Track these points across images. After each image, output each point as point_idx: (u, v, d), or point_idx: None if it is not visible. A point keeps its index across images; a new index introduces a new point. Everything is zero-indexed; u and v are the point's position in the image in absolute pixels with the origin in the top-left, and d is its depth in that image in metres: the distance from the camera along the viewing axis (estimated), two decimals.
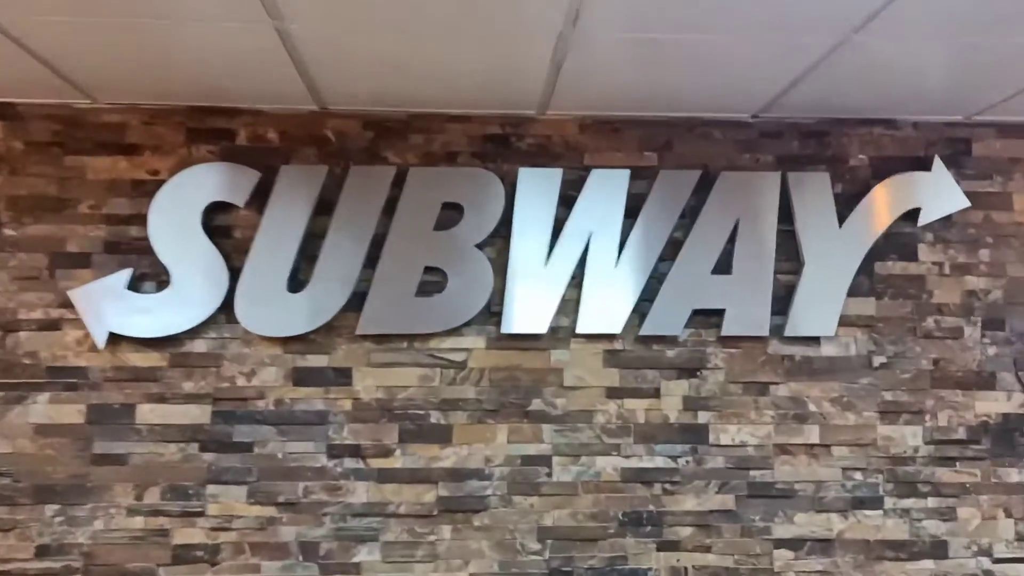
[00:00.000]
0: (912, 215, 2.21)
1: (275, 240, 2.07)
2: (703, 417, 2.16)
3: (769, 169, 2.19)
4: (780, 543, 2.14)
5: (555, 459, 2.12)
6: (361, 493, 2.08)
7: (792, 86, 1.98)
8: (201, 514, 2.05)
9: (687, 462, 2.15)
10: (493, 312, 2.12)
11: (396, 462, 2.09)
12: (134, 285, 2.07)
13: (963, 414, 2.20)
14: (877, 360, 2.20)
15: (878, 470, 2.18)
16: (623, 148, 2.19)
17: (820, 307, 2.17)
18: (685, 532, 2.13)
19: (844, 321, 2.17)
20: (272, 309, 2.06)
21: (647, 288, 2.13)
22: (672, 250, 2.14)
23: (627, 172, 2.14)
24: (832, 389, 2.19)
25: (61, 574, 2.02)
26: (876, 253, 2.20)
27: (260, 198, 2.08)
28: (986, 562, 2.17)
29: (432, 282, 2.10)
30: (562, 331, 2.14)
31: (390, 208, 2.09)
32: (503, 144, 2.17)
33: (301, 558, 2.06)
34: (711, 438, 2.15)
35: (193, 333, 2.07)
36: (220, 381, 2.08)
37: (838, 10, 1.57)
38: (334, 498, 2.08)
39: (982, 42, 1.72)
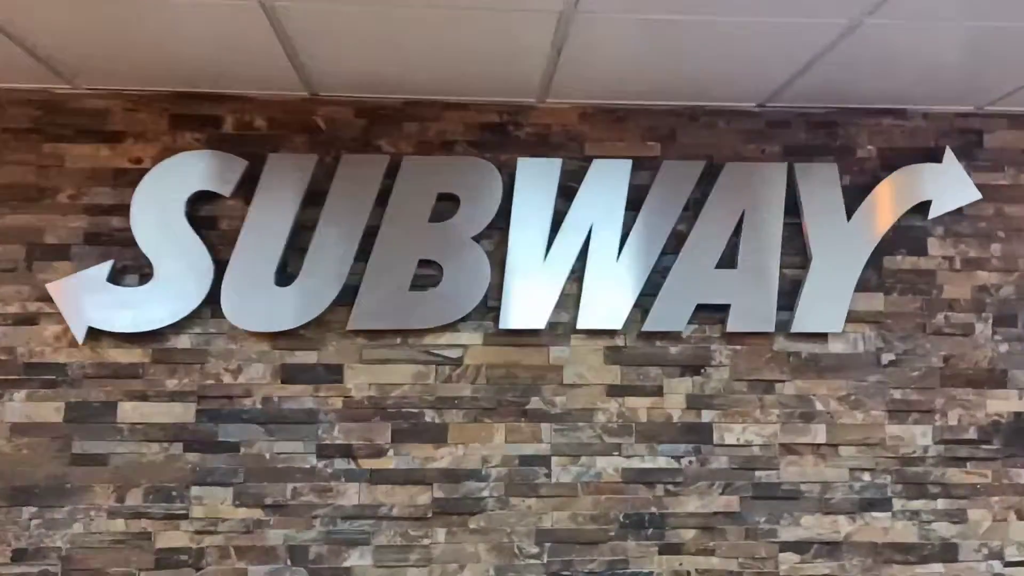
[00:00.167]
0: (922, 208, 2.17)
1: (263, 231, 2.02)
2: (707, 416, 2.12)
3: (776, 160, 2.15)
4: (786, 546, 2.10)
5: (554, 459, 2.08)
6: (352, 495, 2.03)
7: (800, 74, 1.94)
8: (185, 517, 1.99)
9: (690, 462, 2.10)
10: (490, 307, 2.08)
11: (389, 463, 2.05)
12: (115, 278, 2.01)
13: (974, 413, 2.16)
14: (886, 357, 2.16)
15: (886, 471, 2.14)
16: (625, 137, 2.15)
17: (827, 303, 2.12)
18: (688, 535, 2.09)
19: (852, 317, 2.13)
20: (259, 303, 2.01)
21: (649, 283, 2.09)
22: (675, 243, 2.10)
23: (629, 162, 2.10)
24: (840, 387, 2.14)
25: None
26: (885, 247, 2.16)
27: (247, 188, 2.02)
28: (997, 565, 2.13)
29: (427, 276, 2.06)
30: (562, 327, 2.10)
31: (383, 199, 2.05)
32: (501, 133, 2.13)
33: (289, 563, 2.01)
34: (715, 438, 2.11)
35: (177, 328, 2.01)
36: (205, 378, 2.03)
37: None
38: (324, 500, 2.03)
39: (996, 27, 1.68)
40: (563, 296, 2.07)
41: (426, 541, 2.04)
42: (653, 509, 2.08)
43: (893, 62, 1.88)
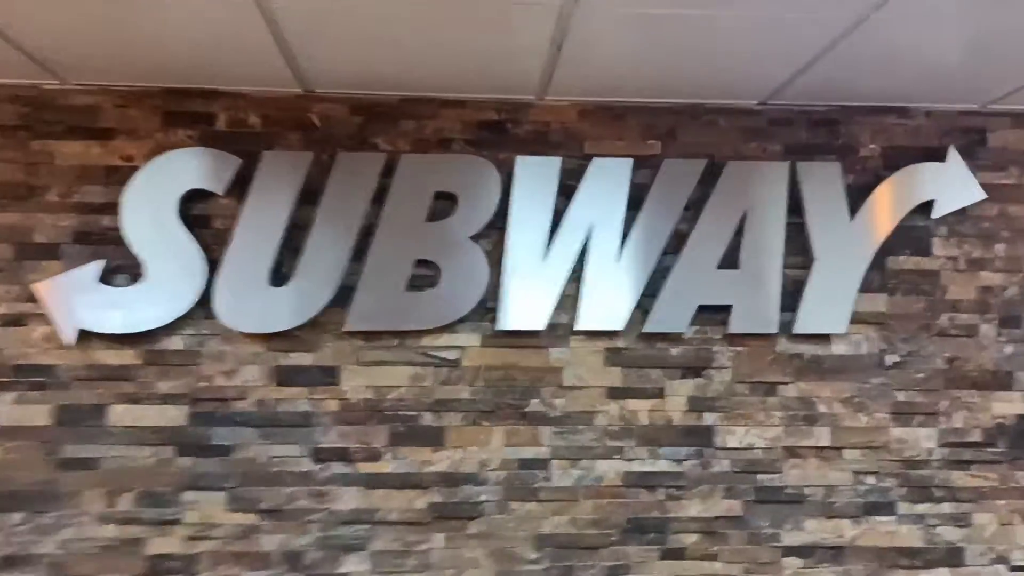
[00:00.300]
0: (925, 207, 2.14)
1: (257, 231, 1.99)
2: (709, 418, 2.10)
3: (777, 159, 2.13)
4: (789, 551, 2.08)
5: (554, 463, 2.06)
6: (348, 499, 2.01)
7: (802, 71, 1.92)
8: (177, 522, 1.97)
9: (692, 466, 2.08)
10: (488, 308, 2.05)
11: (386, 466, 2.02)
12: (106, 278, 1.98)
13: (979, 415, 2.15)
14: (890, 359, 2.14)
15: (891, 474, 2.12)
16: (625, 136, 2.12)
17: (831, 303, 2.10)
18: (690, 539, 2.07)
19: (855, 318, 2.11)
20: (254, 304, 1.98)
21: (650, 283, 2.06)
22: (676, 243, 2.08)
23: (629, 161, 2.07)
24: (843, 389, 2.12)
25: None
26: (888, 247, 2.14)
27: (241, 186, 1.99)
28: (1003, 570, 2.12)
29: (424, 276, 2.03)
30: (561, 328, 2.07)
31: (379, 198, 2.02)
32: (499, 131, 2.10)
33: (285, 569, 1.98)
34: (717, 440, 2.09)
35: (169, 329, 1.98)
36: (198, 380, 2.00)
37: None
38: (320, 505, 2.00)
39: (999, 24, 1.66)
40: (562, 297, 2.05)
41: (424, 546, 2.01)
42: (655, 513, 2.06)
43: (896, 59, 1.86)
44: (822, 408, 2.11)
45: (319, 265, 1.99)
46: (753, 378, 2.10)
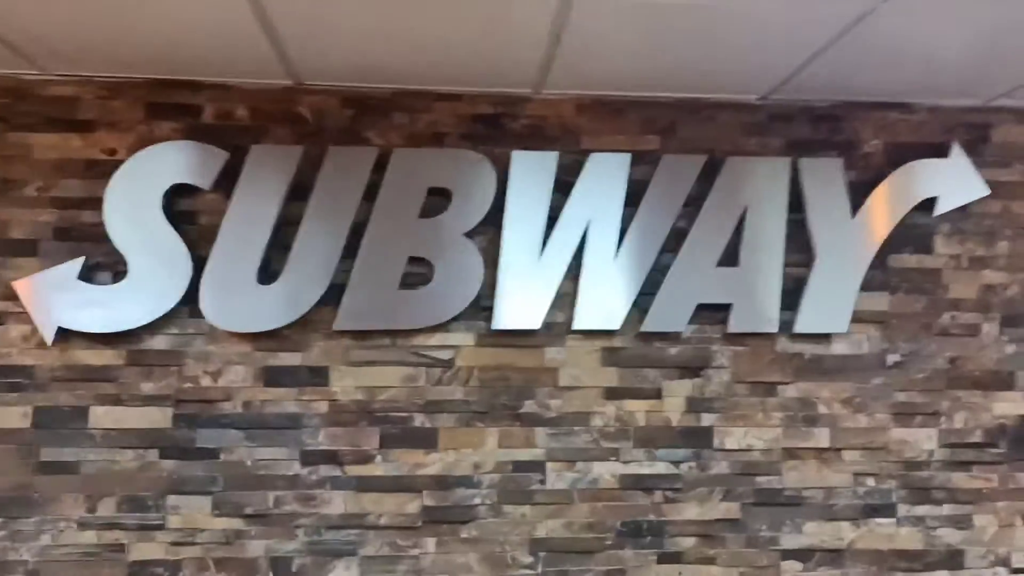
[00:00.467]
0: (927, 204, 2.12)
1: (244, 227, 1.94)
2: (707, 419, 2.07)
3: (778, 154, 2.10)
4: (788, 554, 2.07)
5: (549, 465, 2.03)
6: (338, 503, 1.97)
7: (804, 66, 1.90)
8: (161, 527, 1.93)
9: (690, 468, 2.06)
10: (483, 307, 2.02)
11: (377, 469, 1.99)
12: (87, 275, 1.93)
13: (980, 416, 2.13)
14: (891, 359, 2.12)
15: (891, 475, 2.11)
16: (624, 131, 2.09)
17: (832, 302, 2.08)
18: (687, 543, 2.04)
19: (856, 317, 2.09)
20: (240, 302, 1.94)
21: (648, 281, 2.03)
22: (675, 241, 2.05)
23: (628, 156, 2.04)
24: (843, 389, 2.10)
25: None
26: (889, 245, 2.11)
27: (228, 181, 1.94)
28: (1003, 573, 2.12)
29: (417, 274, 1.99)
30: (557, 327, 2.04)
31: (371, 193, 1.98)
32: (495, 125, 2.06)
33: (271, 575, 1.94)
34: (715, 442, 2.07)
35: (152, 328, 1.94)
36: (182, 381, 1.96)
37: None
38: (308, 509, 1.97)
39: (1003, 19, 1.64)
40: (559, 295, 2.01)
41: (415, 551, 1.98)
42: (651, 516, 2.04)
43: (899, 54, 1.84)
44: (822, 409, 2.09)
45: (308, 262, 1.95)
46: (752, 378, 2.08)
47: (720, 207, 2.05)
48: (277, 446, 1.96)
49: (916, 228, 2.12)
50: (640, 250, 2.03)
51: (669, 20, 1.65)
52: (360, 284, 1.96)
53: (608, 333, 2.04)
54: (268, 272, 1.95)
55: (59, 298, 1.89)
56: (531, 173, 2.01)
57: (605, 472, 2.03)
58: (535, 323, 2.00)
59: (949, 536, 2.09)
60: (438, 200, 1.99)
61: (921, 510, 2.09)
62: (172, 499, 1.93)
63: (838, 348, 2.10)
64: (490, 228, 2.01)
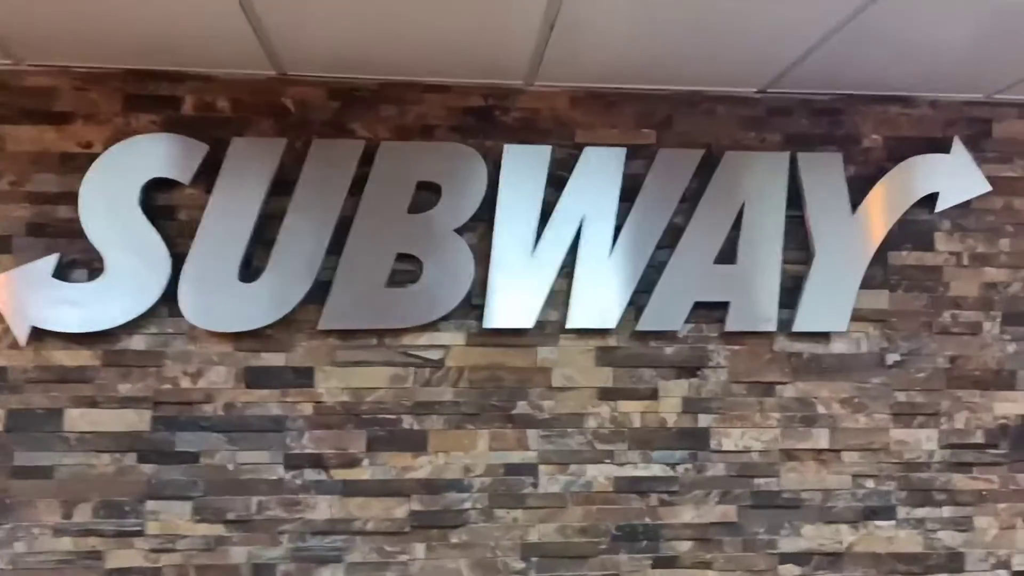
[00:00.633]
0: (927, 200, 2.09)
1: (225, 222, 1.90)
2: (704, 420, 2.04)
3: (777, 149, 2.07)
4: (786, 557, 2.04)
5: (542, 468, 1.99)
6: (323, 508, 1.93)
7: (804, 58, 1.87)
8: (139, 534, 1.89)
9: (686, 470, 2.03)
10: (474, 305, 1.98)
11: (363, 473, 1.95)
12: (62, 273, 1.88)
13: (981, 416, 2.11)
14: (890, 358, 2.09)
15: (891, 477, 2.08)
16: (619, 124, 2.05)
17: (831, 300, 2.04)
18: (683, 547, 2.02)
19: (855, 316, 2.05)
20: (222, 301, 1.90)
21: (644, 279, 2.00)
22: (672, 237, 2.01)
23: (623, 151, 2.00)
24: (842, 389, 2.07)
25: None
26: (889, 242, 2.08)
27: (208, 175, 1.90)
28: (1004, 575, 2.08)
29: (405, 271, 1.95)
30: (550, 326, 2.00)
31: (358, 188, 1.93)
32: (486, 118, 2.02)
33: None
34: (712, 443, 2.04)
35: (130, 328, 1.89)
36: (161, 383, 1.91)
37: None
38: (292, 514, 1.93)
39: (1006, 11, 1.62)
40: (552, 293, 1.97)
41: (404, 557, 1.94)
42: (647, 520, 2.01)
43: (900, 47, 1.81)
44: (821, 409, 2.06)
45: (292, 259, 1.91)
46: (750, 378, 2.05)
47: (717, 203, 2.02)
48: (260, 449, 1.92)
49: (916, 225, 2.09)
50: (635, 247, 1.99)
51: (665, 10, 1.62)
52: (346, 282, 1.92)
53: (602, 332, 2.00)
54: (250, 269, 1.91)
55: (33, 296, 1.84)
56: (523, 167, 1.97)
57: (599, 475, 2.00)
58: (527, 322, 1.97)
59: (949, 538, 2.07)
60: (427, 195, 1.95)
61: (921, 512, 2.06)
62: (151, 504, 1.88)
63: (837, 347, 2.07)
64: (481, 224, 1.97)
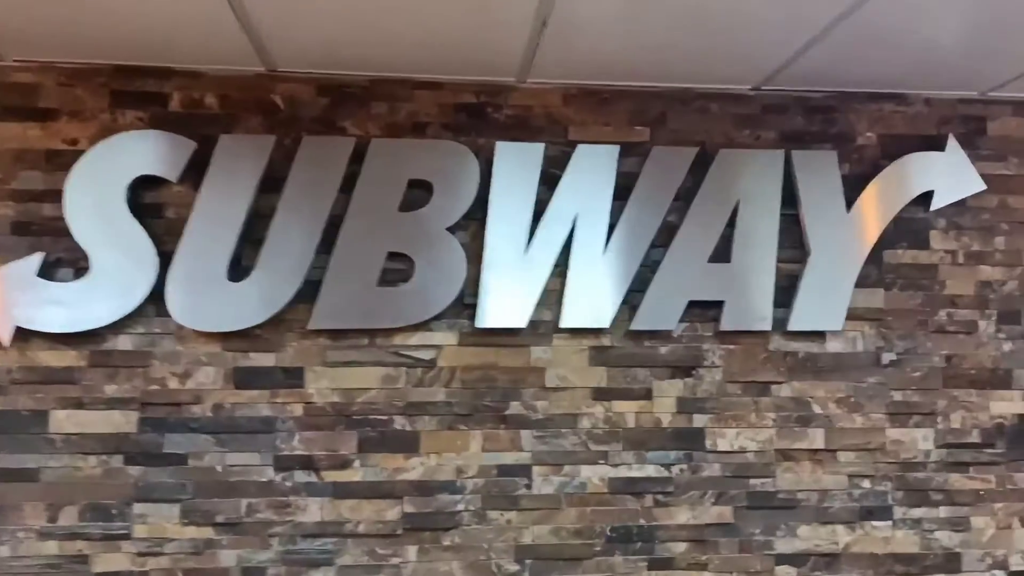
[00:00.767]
0: (922, 198, 2.08)
1: (213, 221, 1.88)
2: (699, 420, 2.03)
3: (772, 147, 2.06)
4: (782, 558, 2.02)
5: (535, 469, 1.98)
6: (314, 511, 1.91)
7: (798, 55, 1.86)
8: (127, 537, 1.86)
9: (681, 471, 2.01)
10: (466, 304, 1.96)
11: (354, 475, 1.92)
12: (47, 272, 1.85)
13: (977, 415, 2.10)
14: (886, 357, 2.08)
15: (887, 477, 2.07)
16: (612, 121, 2.04)
17: (826, 299, 2.03)
18: (679, 548, 2.00)
19: (851, 315, 2.04)
20: (210, 300, 1.87)
21: (638, 278, 1.98)
22: (666, 236, 2.00)
23: (616, 148, 1.99)
24: (838, 389, 2.06)
25: None
26: (885, 240, 2.08)
27: (196, 172, 1.88)
28: (1001, 575, 2.06)
29: (396, 270, 1.94)
30: (543, 326, 1.99)
31: (348, 185, 1.92)
32: (478, 115, 2.00)
33: None
34: (707, 444, 2.02)
35: (117, 328, 1.87)
36: (148, 383, 1.89)
37: None
38: (282, 517, 1.90)
39: (1001, 8, 1.62)
40: (545, 292, 1.96)
41: (395, 560, 1.92)
42: (642, 521, 1.99)
43: (894, 44, 1.81)
44: (816, 409, 2.05)
45: (282, 258, 1.89)
46: (745, 378, 2.03)
47: (712, 201, 2.00)
48: (249, 451, 1.89)
49: (912, 223, 2.09)
50: (629, 245, 1.98)
51: (659, 7, 1.61)
52: (337, 281, 1.90)
53: (596, 331, 1.99)
54: (239, 268, 1.89)
55: (17, 296, 1.82)
56: (516, 165, 1.96)
57: (594, 476, 1.98)
58: (520, 321, 1.95)
59: (946, 539, 2.06)
60: (419, 193, 1.93)
61: (917, 512, 2.05)
62: (138, 507, 1.86)
63: (832, 346, 2.06)
64: (473, 222, 1.96)
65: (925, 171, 2.06)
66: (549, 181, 1.96)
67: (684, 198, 2.00)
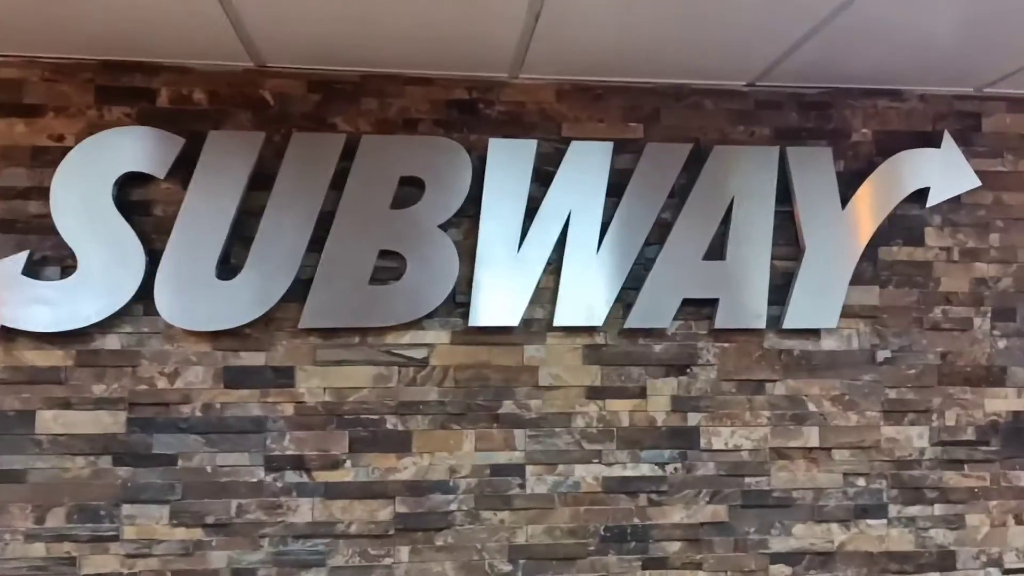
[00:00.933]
0: (918, 195, 2.07)
1: (202, 218, 1.86)
2: (693, 419, 2.02)
3: (766, 143, 2.05)
4: (777, 557, 2.02)
5: (529, 468, 1.96)
6: (305, 511, 1.89)
7: (792, 51, 1.85)
8: (115, 539, 1.85)
9: (675, 469, 2.00)
10: (458, 302, 1.95)
11: (346, 475, 1.91)
12: (32, 270, 1.83)
13: (972, 413, 2.09)
14: (881, 355, 2.07)
15: (882, 475, 2.06)
16: (605, 118, 2.02)
17: (821, 297, 2.02)
18: (673, 547, 1.99)
19: (845, 312, 2.04)
20: (199, 299, 1.85)
21: (632, 276, 1.97)
22: (660, 233, 1.99)
23: (610, 145, 1.98)
24: (833, 387, 2.06)
25: None
26: (880, 237, 2.07)
27: (184, 169, 1.86)
28: (996, 573, 2.08)
29: (388, 268, 1.92)
30: (537, 324, 1.97)
31: (339, 182, 1.90)
32: (470, 111, 1.98)
33: None
34: (702, 442, 2.01)
35: (104, 327, 1.85)
36: (137, 383, 1.87)
37: None
38: (273, 518, 1.89)
39: (996, 4, 1.61)
40: (538, 290, 1.95)
41: (388, 561, 1.91)
42: (636, 520, 1.98)
43: (889, 39, 1.80)
44: (811, 407, 2.04)
45: (272, 256, 1.87)
46: (740, 376, 2.03)
47: (706, 198, 1.99)
48: (239, 451, 1.88)
49: (907, 220, 2.08)
50: (623, 243, 1.97)
51: (653, 2, 1.59)
52: (327, 279, 1.88)
53: (590, 330, 1.98)
54: (228, 266, 1.87)
55: (2, 295, 1.80)
56: (509, 162, 1.94)
57: (587, 475, 1.97)
58: (513, 320, 1.94)
59: (941, 537, 2.05)
60: (410, 190, 1.92)
61: (912, 510, 2.05)
62: (127, 508, 1.84)
63: (827, 344, 2.05)
64: (466, 220, 1.94)
65: (920, 168, 2.05)
66: (542, 178, 1.95)
67: (678, 195, 1.99)
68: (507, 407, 1.95)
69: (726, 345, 2.02)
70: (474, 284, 1.92)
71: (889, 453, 2.05)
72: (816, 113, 2.07)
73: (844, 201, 2.02)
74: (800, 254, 2.01)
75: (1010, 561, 2.07)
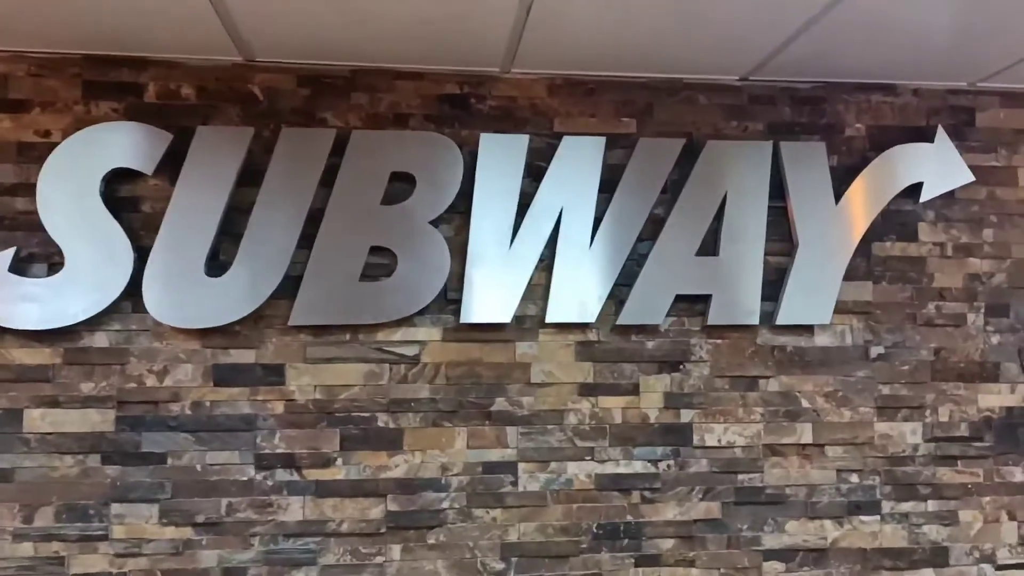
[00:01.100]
0: (911, 191, 2.07)
1: (191, 215, 1.84)
2: (686, 416, 2.01)
3: (759, 138, 2.04)
4: (770, 554, 2.02)
5: (521, 466, 1.96)
6: (296, 510, 1.88)
7: (786, 45, 1.84)
8: (104, 538, 1.83)
9: (668, 466, 2.00)
10: (450, 299, 1.94)
11: (337, 473, 1.90)
12: (19, 267, 1.82)
13: (965, 409, 2.09)
14: (874, 351, 2.07)
15: (875, 471, 2.06)
16: (598, 113, 2.01)
17: (814, 293, 2.02)
18: (666, 544, 1.99)
19: (839, 308, 2.04)
20: (187, 296, 1.84)
21: (624, 272, 1.97)
22: (652, 228, 1.98)
23: (602, 140, 1.97)
24: (826, 383, 2.05)
25: None
26: (873, 232, 2.06)
27: (173, 165, 1.85)
28: (989, 569, 2.08)
29: (379, 265, 1.91)
30: (529, 321, 1.96)
31: (329, 178, 1.88)
32: (461, 106, 1.97)
33: None
34: (695, 439, 2.01)
35: (92, 324, 1.83)
36: (125, 381, 1.85)
37: None
38: (264, 516, 1.87)
39: None
40: (530, 287, 1.94)
41: (379, 559, 1.90)
42: (629, 518, 1.98)
43: (882, 34, 1.79)
44: (804, 403, 2.04)
45: (261, 253, 1.85)
46: (733, 372, 2.02)
47: (699, 193, 1.98)
48: (229, 449, 1.86)
49: (900, 215, 2.07)
50: (616, 239, 1.95)
51: None
52: (318, 276, 1.87)
53: (582, 326, 1.97)
54: (217, 263, 1.86)
55: None
56: (500, 157, 1.93)
57: (580, 472, 1.96)
58: (505, 316, 1.92)
59: (934, 533, 2.05)
60: (401, 186, 1.90)
61: (906, 506, 2.05)
62: (116, 507, 1.83)
63: (821, 340, 2.04)
64: (457, 216, 1.93)
65: (914, 163, 2.04)
66: (534, 173, 1.94)
67: (671, 190, 1.98)
68: (499, 404, 1.94)
69: (719, 341, 2.01)
70: (466, 280, 1.91)
71: (882, 449, 2.04)
72: (809, 108, 2.06)
73: (837, 196, 2.01)
74: (793, 250, 2.00)
75: (1003, 557, 2.06)
